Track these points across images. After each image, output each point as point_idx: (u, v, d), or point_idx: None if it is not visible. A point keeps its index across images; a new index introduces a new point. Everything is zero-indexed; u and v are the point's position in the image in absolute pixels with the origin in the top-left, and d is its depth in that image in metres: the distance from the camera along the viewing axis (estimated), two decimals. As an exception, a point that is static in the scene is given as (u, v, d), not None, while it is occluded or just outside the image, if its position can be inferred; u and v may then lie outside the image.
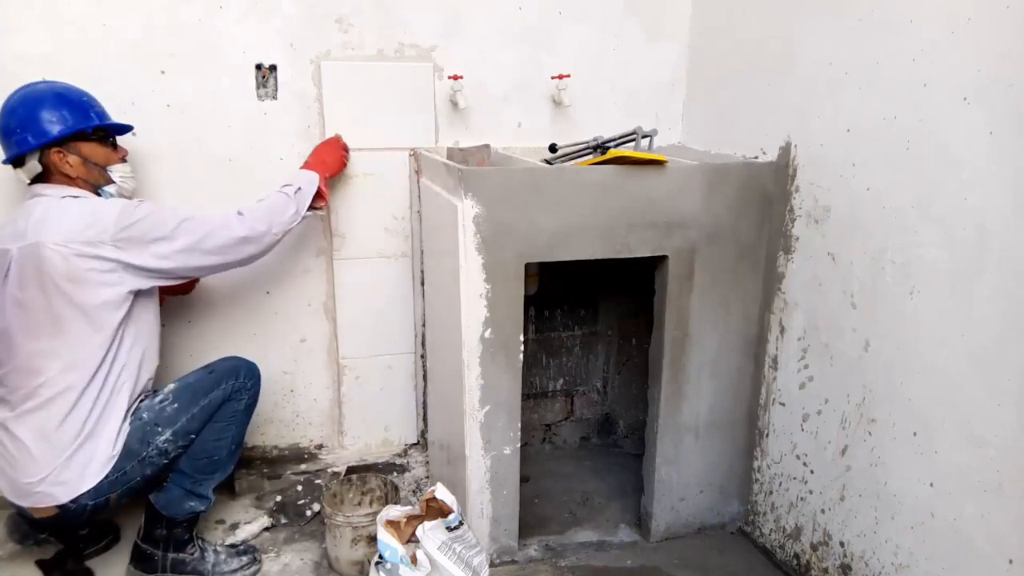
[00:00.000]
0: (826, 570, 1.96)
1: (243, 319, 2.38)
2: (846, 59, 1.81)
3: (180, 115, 2.19)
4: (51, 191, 1.85)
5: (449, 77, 2.33)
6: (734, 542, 2.26)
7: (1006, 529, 1.47)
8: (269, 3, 2.19)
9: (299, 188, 2.08)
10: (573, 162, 2.24)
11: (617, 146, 2.20)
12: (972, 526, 1.54)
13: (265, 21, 2.20)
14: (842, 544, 1.90)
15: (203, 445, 1.94)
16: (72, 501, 1.79)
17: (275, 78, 2.25)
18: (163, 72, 2.16)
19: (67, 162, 1.85)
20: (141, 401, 1.91)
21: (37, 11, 2.05)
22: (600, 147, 2.24)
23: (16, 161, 1.86)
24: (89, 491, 1.80)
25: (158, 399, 1.91)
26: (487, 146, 2.30)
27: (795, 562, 2.07)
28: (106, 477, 1.82)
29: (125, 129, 2.01)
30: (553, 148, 2.32)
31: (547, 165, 2.14)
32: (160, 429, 1.87)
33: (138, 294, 1.86)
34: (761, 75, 2.12)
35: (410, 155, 2.37)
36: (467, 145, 2.33)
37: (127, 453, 1.84)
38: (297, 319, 2.43)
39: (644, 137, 2.21)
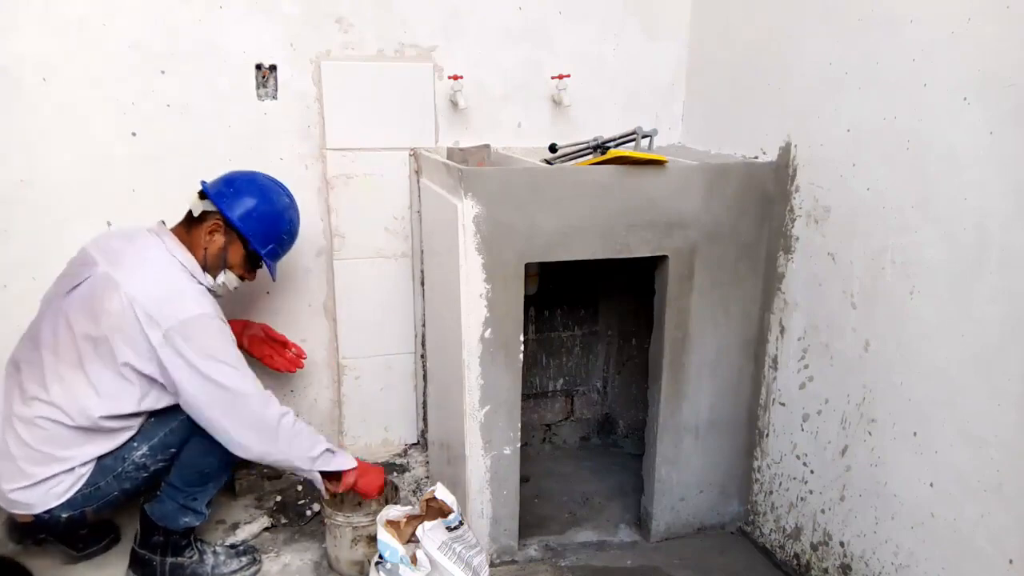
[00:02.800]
0: (826, 570, 1.96)
1: (243, 319, 2.38)
2: (846, 59, 1.81)
3: (180, 115, 2.19)
4: (169, 242, 1.87)
5: (449, 77, 2.33)
6: (734, 542, 2.26)
7: (1006, 529, 1.47)
8: (269, 3, 2.19)
9: (332, 452, 1.92)
10: (573, 162, 2.24)
11: (617, 146, 2.20)
12: (972, 526, 1.54)
13: (265, 21, 2.20)
14: (842, 544, 1.90)
15: (191, 459, 1.89)
16: (45, 512, 1.79)
17: (275, 78, 2.25)
18: (163, 72, 2.16)
19: (212, 238, 1.92)
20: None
21: (37, 11, 2.04)
22: (600, 147, 2.24)
23: (202, 194, 1.94)
24: (61, 505, 1.79)
25: None
26: (487, 146, 2.30)
27: (795, 562, 2.07)
28: (78, 491, 1.80)
29: (272, 275, 2.05)
30: (553, 148, 2.32)
31: (547, 165, 2.14)
32: (136, 444, 1.83)
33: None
34: (761, 75, 2.12)
35: (410, 155, 2.37)
36: (467, 145, 2.33)
37: (101, 469, 1.82)
38: (297, 319, 2.43)
39: (644, 137, 2.21)
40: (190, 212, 1.94)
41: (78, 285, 1.80)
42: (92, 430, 1.78)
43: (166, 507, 1.93)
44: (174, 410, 1.85)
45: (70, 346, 1.76)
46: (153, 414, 1.86)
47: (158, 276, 1.81)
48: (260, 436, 1.81)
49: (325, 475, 1.93)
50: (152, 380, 1.79)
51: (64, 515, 1.82)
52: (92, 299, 1.76)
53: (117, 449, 1.83)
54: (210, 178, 2.23)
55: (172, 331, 1.73)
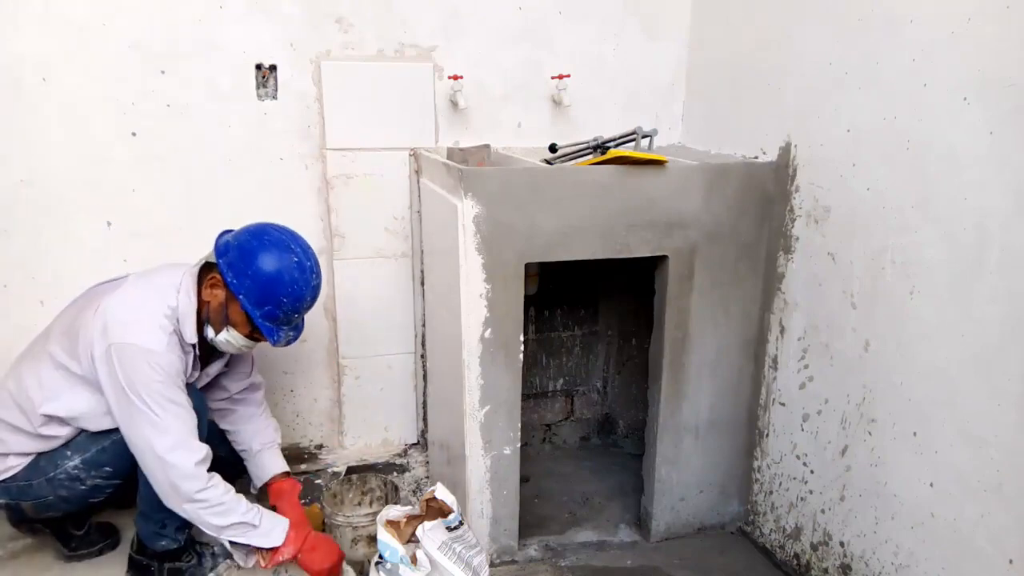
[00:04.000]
0: (826, 570, 1.96)
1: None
2: (846, 59, 1.81)
3: (180, 115, 2.19)
4: (185, 282, 1.80)
5: (449, 77, 2.33)
6: (734, 542, 2.26)
7: (1006, 529, 1.47)
8: (269, 3, 2.19)
9: (254, 527, 1.77)
10: (573, 162, 2.24)
11: (617, 146, 2.20)
12: (972, 526, 1.54)
13: (265, 21, 2.20)
14: (842, 544, 1.90)
15: (145, 486, 1.79)
16: None
17: (275, 78, 2.25)
18: (163, 72, 2.16)
19: (214, 292, 1.80)
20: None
21: (37, 11, 2.04)
22: (600, 147, 2.24)
23: (208, 264, 1.83)
24: (2, 487, 1.82)
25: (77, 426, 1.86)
26: (487, 146, 2.30)
27: (795, 562, 2.07)
28: (14, 481, 1.83)
29: (275, 344, 1.87)
30: (553, 148, 2.32)
31: (547, 165, 2.14)
32: (69, 454, 1.82)
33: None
34: (761, 75, 2.12)
35: (410, 155, 2.37)
36: (467, 145, 2.32)
37: (36, 467, 1.83)
38: (297, 319, 2.43)
39: (644, 137, 2.21)
40: (205, 264, 1.86)
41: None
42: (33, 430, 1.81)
43: (144, 530, 1.92)
44: (110, 431, 1.81)
45: (59, 334, 1.81)
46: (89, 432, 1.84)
47: (140, 299, 1.77)
48: (159, 483, 1.71)
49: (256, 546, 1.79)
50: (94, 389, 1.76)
51: (2, 500, 1.86)
52: (88, 302, 1.80)
53: (52, 452, 1.83)
54: (210, 178, 2.24)
55: (112, 348, 1.68)
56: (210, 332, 1.82)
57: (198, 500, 1.70)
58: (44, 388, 1.78)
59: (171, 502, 1.73)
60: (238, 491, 1.80)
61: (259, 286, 1.76)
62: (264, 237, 1.81)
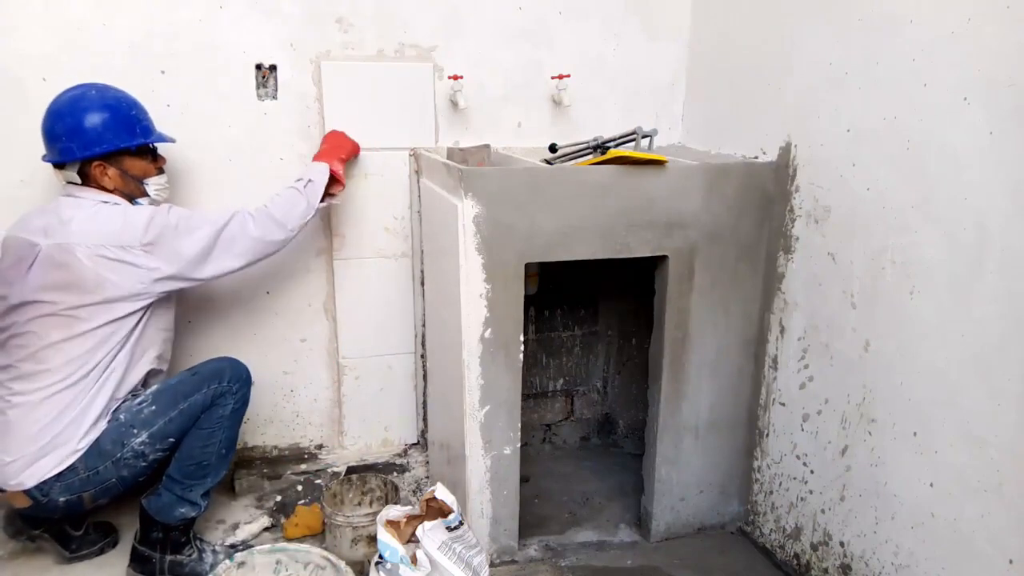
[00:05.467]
0: (826, 570, 1.96)
1: (243, 319, 2.38)
2: (846, 59, 1.81)
3: (180, 115, 2.19)
4: (86, 194, 1.88)
5: (449, 77, 2.33)
6: (734, 542, 2.26)
7: (1006, 529, 1.47)
8: (269, 3, 2.19)
9: (309, 180, 2.09)
10: (573, 162, 2.24)
11: (617, 146, 2.20)
12: (972, 526, 1.54)
13: (265, 21, 2.20)
14: (842, 544, 1.90)
15: (190, 451, 1.91)
16: (42, 493, 1.81)
17: (275, 78, 2.25)
18: (163, 72, 2.16)
19: (106, 175, 1.89)
20: (123, 402, 1.90)
21: (37, 11, 2.04)
22: (600, 147, 2.24)
23: (56, 164, 1.89)
24: (60, 485, 1.81)
25: (137, 401, 1.89)
26: (487, 146, 2.30)
27: (795, 562, 2.07)
28: (76, 474, 1.82)
29: (166, 141, 2.02)
30: (553, 148, 2.32)
31: (547, 165, 2.14)
32: (136, 431, 1.85)
33: (155, 302, 1.90)
34: (761, 75, 2.12)
35: (410, 155, 2.37)
36: (467, 145, 2.32)
37: (100, 453, 1.84)
38: (297, 319, 2.43)
39: (644, 137, 2.21)
40: (74, 182, 1.90)
41: (30, 267, 1.80)
42: (91, 384, 1.83)
43: (163, 500, 1.94)
44: (174, 399, 1.88)
45: (58, 318, 1.79)
46: (155, 400, 1.89)
47: (101, 217, 1.84)
48: (268, 244, 2.01)
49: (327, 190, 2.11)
50: (149, 303, 1.89)
51: (62, 499, 1.83)
52: (56, 272, 1.78)
53: (116, 430, 1.85)
54: (210, 178, 2.24)
55: (145, 239, 1.82)
56: (143, 200, 1.95)
57: (276, 214, 2.01)
58: (95, 340, 1.82)
59: (274, 234, 2.01)
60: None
61: (115, 128, 1.87)
62: (66, 107, 1.87)
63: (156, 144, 2.00)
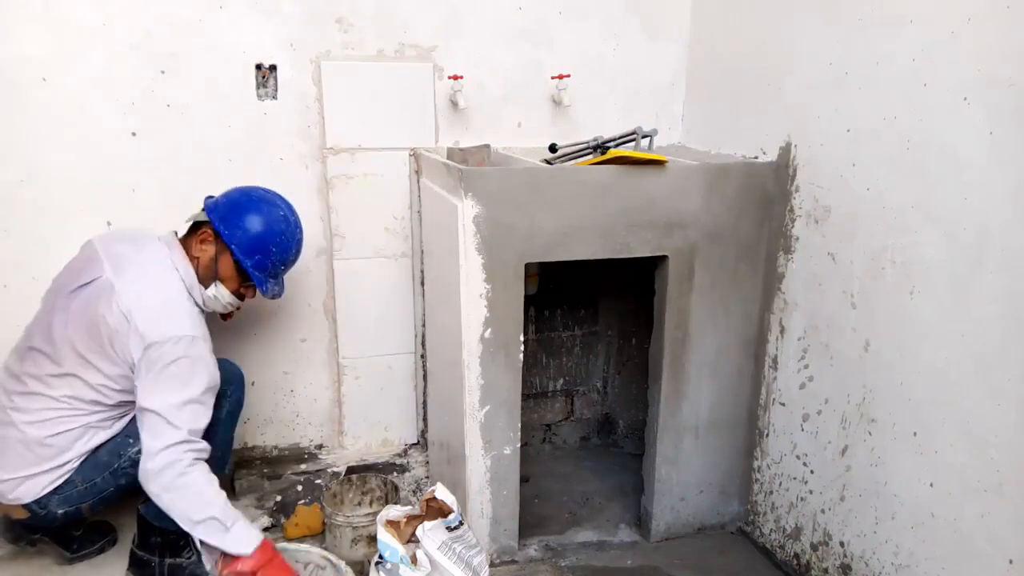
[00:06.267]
0: (826, 570, 1.96)
1: (243, 319, 2.38)
2: (846, 59, 1.81)
3: (180, 115, 2.19)
4: (176, 256, 1.86)
5: (449, 77, 2.33)
6: (734, 542, 2.26)
7: (1006, 529, 1.47)
8: (269, 3, 2.19)
9: (225, 529, 1.71)
10: (573, 162, 2.24)
11: (617, 146, 2.20)
12: (972, 526, 1.54)
13: (265, 21, 2.20)
14: (842, 544, 1.90)
15: None
16: (39, 506, 1.80)
17: (275, 78, 2.25)
18: (163, 72, 2.16)
19: (203, 248, 1.90)
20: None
21: (37, 11, 2.04)
22: (600, 147, 2.24)
23: (197, 223, 1.94)
24: (58, 498, 1.81)
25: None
26: (487, 146, 2.30)
27: (795, 562, 2.07)
28: (73, 487, 1.82)
29: (266, 295, 1.99)
30: (553, 148, 2.32)
31: (547, 165, 2.14)
32: (132, 441, 1.83)
33: None
34: (761, 75, 2.12)
35: (410, 155, 2.37)
36: (467, 145, 2.32)
37: (97, 465, 1.83)
38: (297, 319, 2.43)
39: (644, 137, 2.21)
40: (193, 224, 1.95)
41: (84, 286, 1.80)
42: (101, 420, 1.82)
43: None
44: None
45: (74, 345, 1.77)
46: None
47: (157, 290, 1.80)
48: (150, 459, 1.70)
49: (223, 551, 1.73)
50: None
51: (60, 511, 1.83)
52: (93, 307, 1.76)
53: (112, 443, 1.84)
54: (210, 178, 2.24)
55: (154, 346, 1.72)
56: (198, 292, 1.89)
57: (173, 476, 1.70)
58: (96, 388, 1.79)
59: (144, 474, 1.71)
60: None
61: (250, 236, 1.89)
62: (252, 194, 1.96)
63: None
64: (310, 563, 1.89)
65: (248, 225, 1.89)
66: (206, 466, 1.76)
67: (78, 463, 1.82)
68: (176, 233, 1.96)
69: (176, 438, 1.71)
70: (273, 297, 2.02)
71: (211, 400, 1.80)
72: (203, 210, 1.94)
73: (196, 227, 1.94)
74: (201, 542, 1.75)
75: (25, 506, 1.81)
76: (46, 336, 1.81)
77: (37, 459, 1.79)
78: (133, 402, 1.80)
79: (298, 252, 2.03)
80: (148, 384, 1.73)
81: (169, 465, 1.70)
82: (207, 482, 1.75)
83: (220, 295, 1.93)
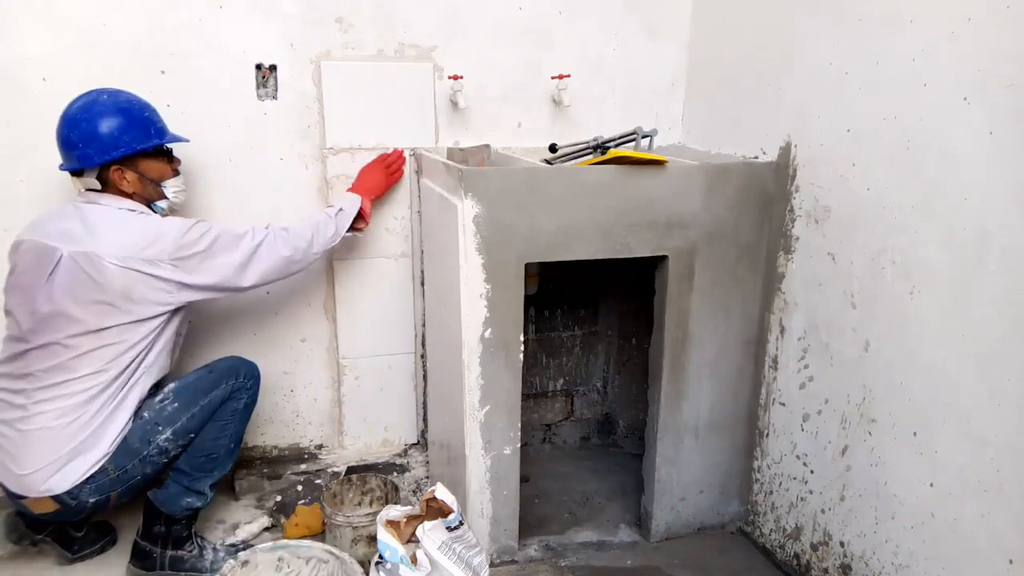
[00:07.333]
0: (826, 570, 1.96)
1: (243, 319, 2.38)
2: (846, 59, 1.81)
3: (180, 115, 2.19)
4: (109, 201, 1.88)
5: (449, 77, 2.33)
6: (734, 542, 2.26)
7: (1006, 529, 1.47)
8: (269, 3, 2.19)
9: (340, 209, 2.13)
10: (573, 162, 2.24)
11: (617, 146, 2.20)
12: (972, 526, 1.54)
13: (265, 21, 2.20)
14: (842, 544, 1.90)
15: (202, 444, 1.94)
16: (71, 497, 1.80)
17: (275, 78, 2.25)
18: (163, 72, 2.16)
19: (125, 179, 1.89)
20: (144, 400, 1.91)
21: (37, 11, 2.04)
22: (600, 147, 2.24)
23: (74, 172, 1.89)
24: (90, 487, 1.82)
25: (158, 398, 1.91)
26: (487, 146, 2.30)
27: (795, 562, 2.07)
28: (106, 475, 1.83)
29: (181, 141, 2.01)
30: (553, 148, 2.32)
31: (547, 165, 2.14)
32: (161, 428, 1.88)
33: (177, 308, 1.91)
34: (761, 75, 2.12)
35: (410, 155, 2.37)
36: (467, 145, 2.33)
37: (128, 452, 1.85)
38: (297, 319, 2.43)
39: (644, 137, 2.21)
40: (94, 181, 1.89)
41: (53, 271, 1.79)
42: (118, 388, 1.84)
43: (170, 490, 1.97)
44: (195, 395, 1.91)
45: (85, 325, 1.78)
46: (177, 397, 1.91)
47: (129, 228, 1.84)
48: (295, 262, 2.03)
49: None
50: (176, 310, 1.91)
51: (91, 500, 1.84)
52: (83, 280, 1.77)
53: (140, 430, 1.87)
54: (210, 178, 2.24)
55: (176, 253, 1.83)
56: (162, 204, 1.96)
57: (306, 234, 2.04)
58: (121, 344, 1.83)
59: (301, 254, 2.04)
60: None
61: (119, 131, 1.85)
62: (75, 115, 1.86)
63: (171, 145, 1.99)
64: (312, 557, 1.90)
65: (107, 128, 1.84)
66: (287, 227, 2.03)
67: (113, 448, 1.83)
68: (88, 191, 1.91)
69: (260, 236, 1.96)
70: (185, 139, 2.03)
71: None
72: (76, 169, 1.87)
73: (101, 180, 1.88)
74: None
75: (55, 497, 1.80)
76: (42, 330, 1.80)
77: (69, 444, 1.79)
78: (154, 344, 1.89)
79: (145, 104, 1.96)
80: (207, 264, 1.88)
81: (274, 239, 1.98)
82: (304, 222, 2.08)
83: (173, 188, 1.98)
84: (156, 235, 1.83)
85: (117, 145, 1.85)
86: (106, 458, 1.83)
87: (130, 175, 1.89)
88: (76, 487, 1.80)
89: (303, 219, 2.10)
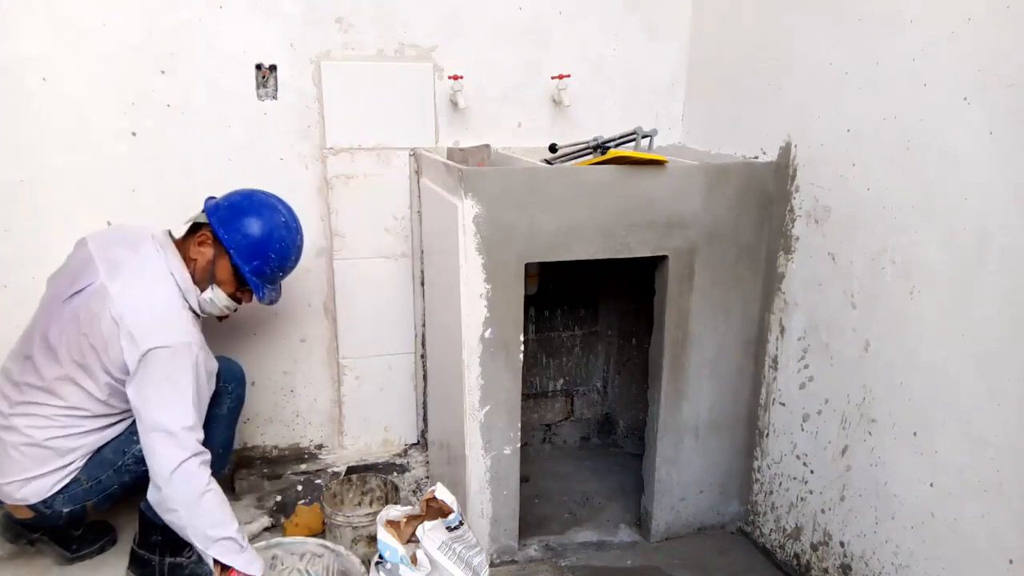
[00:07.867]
0: (826, 570, 1.96)
1: (243, 319, 2.38)
2: (846, 59, 1.81)
3: (180, 115, 2.19)
4: (170, 258, 1.84)
5: (449, 77, 2.33)
6: (734, 542, 2.26)
7: (1006, 529, 1.47)
8: (269, 3, 2.19)
9: (241, 548, 1.72)
10: (573, 162, 2.24)
11: (617, 146, 2.20)
12: (972, 526, 1.54)
13: (265, 21, 2.20)
14: (842, 544, 1.90)
15: None
16: (45, 506, 1.81)
17: (275, 78, 2.25)
18: (163, 72, 2.16)
19: (201, 250, 1.88)
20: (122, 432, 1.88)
21: (37, 11, 2.04)
22: (600, 147, 2.24)
23: (196, 225, 1.92)
24: (63, 497, 1.81)
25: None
26: (487, 146, 2.30)
27: (795, 562, 2.07)
28: (79, 485, 1.82)
29: (262, 301, 1.97)
30: (553, 148, 2.32)
31: (547, 165, 2.14)
32: (135, 438, 1.82)
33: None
34: (761, 75, 2.12)
35: (410, 155, 2.37)
36: (467, 145, 2.33)
37: (102, 463, 1.84)
38: (297, 319, 2.43)
39: (644, 137, 2.21)
40: (192, 225, 1.93)
41: (79, 292, 1.79)
42: (105, 424, 1.82)
43: None
44: None
45: (71, 353, 1.77)
46: None
47: (151, 295, 1.78)
48: (165, 483, 1.69)
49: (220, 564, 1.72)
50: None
51: (65, 509, 1.83)
52: (86, 314, 1.75)
53: (116, 441, 1.85)
54: (210, 178, 2.24)
55: (149, 353, 1.70)
56: (200, 295, 1.89)
57: (196, 490, 1.70)
58: (94, 396, 1.78)
59: (158, 491, 1.70)
60: None
61: (249, 241, 1.87)
62: (253, 198, 1.93)
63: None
64: (306, 552, 1.90)
65: (248, 229, 1.87)
66: (217, 484, 1.75)
67: (83, 462, 1.83)
68: (170, 232, 1.94)
69: (186, 454, 1.70)
70: (270, 303, 1.99)
71: (207, 402, 1.81)
72: (203, 211, 1.92)
73: (195, 228, 1.92)
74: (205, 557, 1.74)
75: (30, 506, 1.82)
76: (44, 345, 1.80)
77: (41, 461, 1.79)
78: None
79: (297, 259, 2.01)
80: (148, 395, 1.72)
81: (187, 482, 1.69)
82: (224, 501, 1.75)
83: (216, 299, 1.90)
84: (161, 324, 1.74)
85: (234, 245, 1.85)
86: (77, 470, 1.82)
87: (208, 252, 1.87)
88: (49, 497, 1.80)
89: (222, 504, 1.75)
